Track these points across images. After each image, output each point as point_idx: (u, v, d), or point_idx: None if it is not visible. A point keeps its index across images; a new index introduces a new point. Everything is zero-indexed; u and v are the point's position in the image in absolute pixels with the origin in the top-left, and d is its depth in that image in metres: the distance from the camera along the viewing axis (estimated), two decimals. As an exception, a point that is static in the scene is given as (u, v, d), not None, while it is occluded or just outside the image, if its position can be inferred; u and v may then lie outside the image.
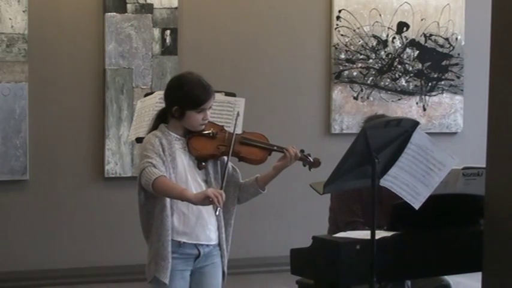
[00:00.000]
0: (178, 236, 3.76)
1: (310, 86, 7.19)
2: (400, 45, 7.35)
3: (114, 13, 6.62)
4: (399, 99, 7.37)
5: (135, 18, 6.67)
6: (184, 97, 3.76)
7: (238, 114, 3.97)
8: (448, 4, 7.45)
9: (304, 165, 3.94)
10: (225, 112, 4.09)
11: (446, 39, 7.47)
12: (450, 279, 4.66)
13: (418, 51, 7.40)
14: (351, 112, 7.20)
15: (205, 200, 3.55)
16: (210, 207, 3.71)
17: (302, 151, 3.91)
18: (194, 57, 6.80)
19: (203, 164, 3.82)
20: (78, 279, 6.58)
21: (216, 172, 3.86)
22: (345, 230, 4.34)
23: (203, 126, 3.82)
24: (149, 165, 3.64)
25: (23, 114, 6.45)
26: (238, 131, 3.93)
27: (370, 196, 3.69)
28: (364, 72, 7.26)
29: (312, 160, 3.91)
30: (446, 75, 7.50)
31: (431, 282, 4.59)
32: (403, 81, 7.38)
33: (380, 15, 7.27)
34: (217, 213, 3.67)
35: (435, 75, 7.47)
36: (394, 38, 7.33)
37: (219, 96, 4.10)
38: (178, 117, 3.79)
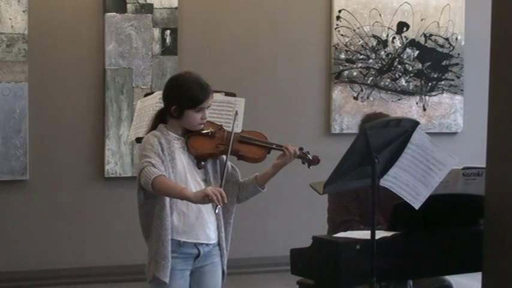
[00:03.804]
0: (178, 235, 3.77)
1: (310, 86, 7.19)
2: (400, 45, 7.35)
3: (114, 13, 6.62)
4: (399, 99, 7.38)
5: (135, 18, 6.68)
6: (182, 96, 3.76)
7: (236, 113, 3.97)
8: (448, 4, 7.45)
9: (304, 163, 3.94)
10: (225, 112, 4.10)
11: (446, 39, 7.47)
12: (450, 279, 4.66)
13: (418, 51, 7.40)
14: (351, 112, 7.20)
15: (204, 199, 3.55)
16: (210, 206, 3.72)
17: (301, 149, 3.91)
18: (194, 57, 6.80)
19: (202, 163, 3.82)
20: (78, 279, 6.58)
21: (215, 171, 3.86)
22: (340, 229, 4.35)
23: (202, 126, 3.82)
24: (148, 164, 3.65)
25: (23, 114, 6.45)
26: (237, 129, 3.93)
27: (370, 196, 3.69)
28: (364, 72, 7.27)
29: (311, 158, 3.91)
30: (446, 75, 7.50)
31: (433, 282, 4.58)
32: (403, 81, 7.38)
33: (380, 15, 7.27)
34: (216, 211, 3.67)
35: (435, 75, 7.47)
36: (394, 38, 7.33)
37: (219, 96, 4.10)
38: (177, 117, 3.79)
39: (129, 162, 6.66)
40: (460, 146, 7.28)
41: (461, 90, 7.54)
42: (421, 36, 7.40)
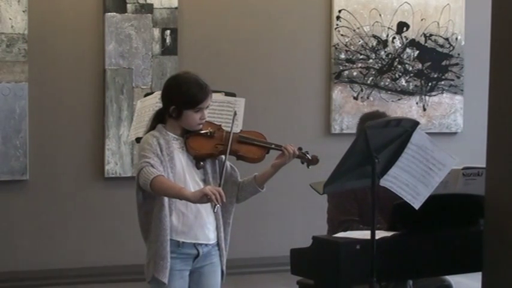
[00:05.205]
0: (177, 235, 3.76)
1: (310, 86, 7.19)
2: (400, 45, 7.35)
3: (114, 13, 6.62)
4: (399, 99, 7.38)
5: (135, 18, 6.68)
6: (181, 97, 3.75)
7: (235, 114, 3.96)
8: (448, 4, 7.45)
9: (303, 163, 3.93)
10: (225, 112, 4.09)
11: (446, 39, 7.47)
12: (450, 279, 4.66)
13: (418, 51, 7.40)
14: (351, 112, 7.19)
15: (203, 198, 3.54)
16: (209, 206, 3.71)
17: (300, 149, 3.91)
18: (194, 57, 6.80)
19: (201, 163, 3.82)
20: (78, 279, 6.58)
21: (214, 171, 3.85)
22: (339, 229, 4.35)
23: (201, 126, 3.82)
24: (147, 165, 3.64)
25: (23, 114, 6.45)
26: (237, 129, 3.93)
27: (370, 196, 3.69)
28: (364, 72, 7.27)
29: (310, 157, 3.91)
30: (446, 75, 7.50)
31: (432, 282, 4.58)
32: (403, 81, 7.38)
33: (380, 15, 7.27)
34: (215, 210, 3.67)
35: (435, 75, 7.47)
36: (394, 38, 7.33)
37: (219, 97, 4.10)
38: (175, 117, 3.78)
39: (129, 162, 6.66)
40: (460, 146, 7.28)
41: (461, 90, 7.54)
42: (421, 36, 7.40)
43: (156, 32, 6.74)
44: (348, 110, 7.22)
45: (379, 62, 7.31)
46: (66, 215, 6.63)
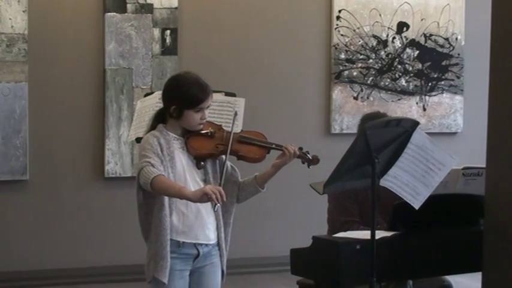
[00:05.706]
0: (178, 235, 3.76)
1: (310, 86, 7.19)
2: (400, 45, 7.35)
3: (114, 13, 6.62)
4: (399, 99, 7.38)
5: (135, 18, 6.68)
6: (182, 97, 3.76)
7: (236, 113, 3.96)
8: (448, 4, 7.45)
9: (303, 163, 3.93)
10: (225, 112, 4.10)
11: (446, 39, 7.48)
12: (450, 279, 4.66)
13: (418, 51, 7.40)
14: (351, 112, 7.20)
15: (203, 197, 3.54)
16: (209, 206, 3.72)
17: (301, 148, 3.91)
18: (194, 57, 6.80)
19: (202, 163, 3.82)
20: (78, 279, 6.58)
21: (214, 171, 3.85)
22: (341, 230, 4.35)
23: (201, 126, 3.82)
24: (147, 164, 3.65)
25: (23, 114, 6.45)
26: (237, 129, 3.93)
27: (370, 196, 3.69)
28: (364, 72, 7.27)
29: (310, 157, 3.91)
30: (446, 75, 7.50)
31: (432, 282, 4.58)
32: (403, 81, 7.38)
33: (380, 15, 7.28)
34: (215, 209, 3.67)
35: (435, 75, 7.47)
36: (394, 38, 7.33)
37: (219, 97, 4.10)
38: (176, 117, 3.79)
39: (129, 162, 6.66)
40: (460, 146, 7.28)
41: (461, 90, 7.54)
42: (421, 36, 7.40)
43: (156, 32, 6.74)
44: (348, 110, 7.22)
45: (379, 62, 7.31)
46: (66, 215, 6.63)
